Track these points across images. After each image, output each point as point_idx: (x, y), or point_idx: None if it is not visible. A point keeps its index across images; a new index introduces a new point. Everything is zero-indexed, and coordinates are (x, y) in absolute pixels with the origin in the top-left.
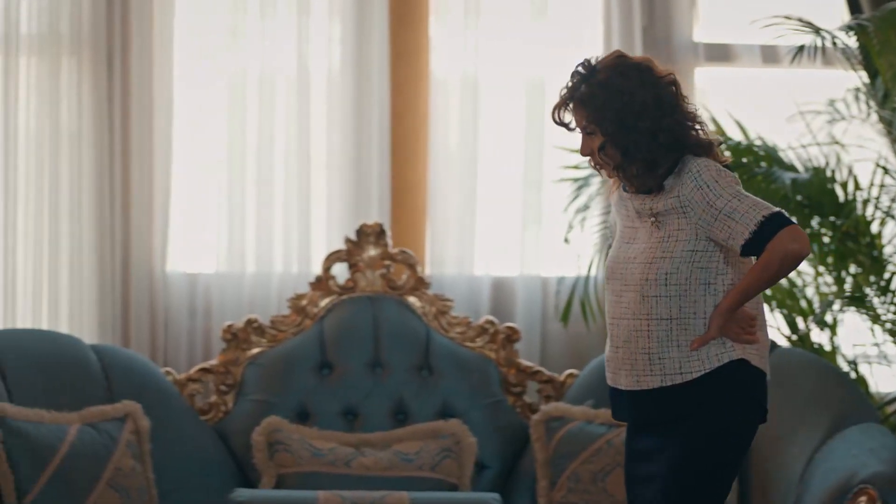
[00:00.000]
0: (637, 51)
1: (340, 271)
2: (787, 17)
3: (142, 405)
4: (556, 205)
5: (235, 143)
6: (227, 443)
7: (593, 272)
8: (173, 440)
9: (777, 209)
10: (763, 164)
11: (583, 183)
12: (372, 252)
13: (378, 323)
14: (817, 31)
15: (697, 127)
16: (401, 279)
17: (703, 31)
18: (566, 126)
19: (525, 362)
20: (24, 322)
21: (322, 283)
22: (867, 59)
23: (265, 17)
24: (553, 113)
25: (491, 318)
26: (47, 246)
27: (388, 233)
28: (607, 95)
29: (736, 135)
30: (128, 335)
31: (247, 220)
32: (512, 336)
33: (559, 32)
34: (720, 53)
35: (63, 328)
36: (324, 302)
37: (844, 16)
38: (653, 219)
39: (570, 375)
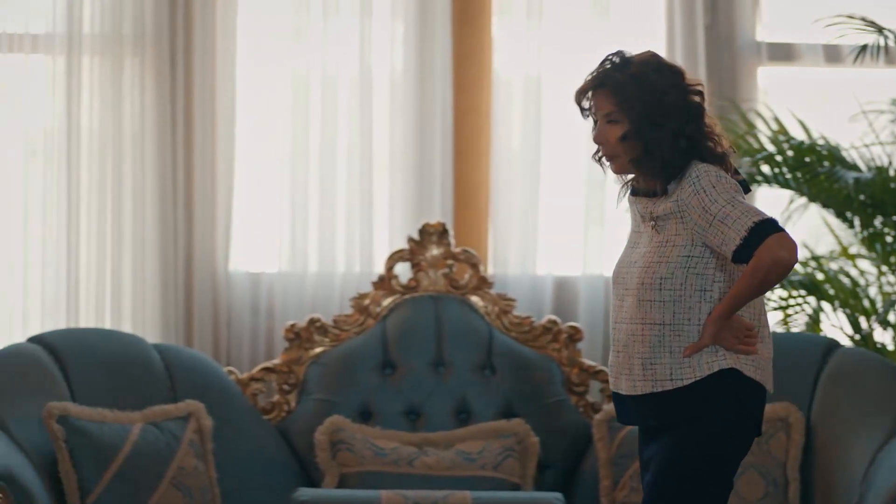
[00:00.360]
0: (700, 50)
1: (403, 271)
2: (850, 17)
3: (205, 404)
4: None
5: (298, 143)
6: (289, 442)
7: None
8: (236, 439)
9: (769, 216)
10: (826, 163)
11: None
12: (434, 251)
13: (440, 322)
14: (880, 30)
15: (714, 140)
16: (463, 278)
17: (765, 31)
18: (583, 111)
19: (588, 361)
20: (87, 322)
21: (385, 283)
22: None
23: (328, 18)
24: (577, 94)
25: (553, 317)
26: (110, 246)
27: (451, 232)
28: (640, 88)
29: (799, 134)
30: (191, 334)
31: (309, 220)
32: (574, 335)
33: (622, 32)
34: (783, 53)
35: (126, 328)
36: (386, 301)
37: None
38: (653, 223)
39: None
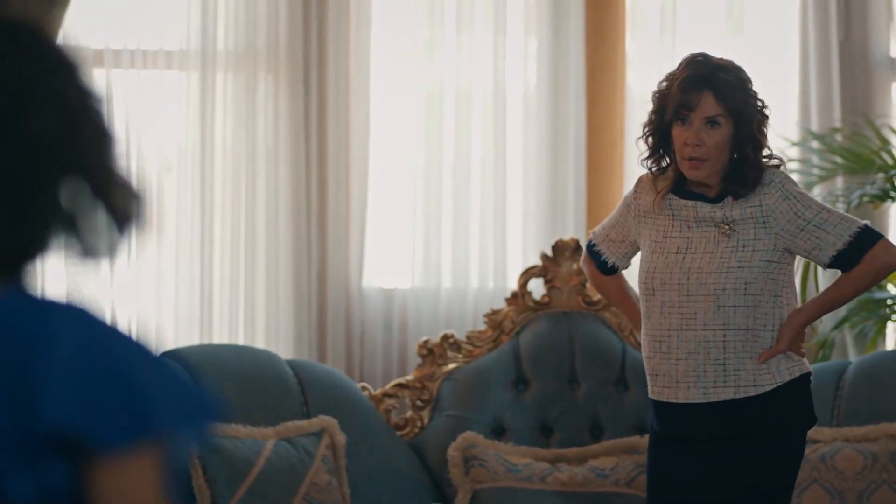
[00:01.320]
0: (834, 65)
1: (536, 287)
2: None
3: (338, 420)
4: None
5: (432, 158)
6: (422, 458)
7: None
8: (369, 455)
9: (865, 221)
10: None
11: None
12: (568, 267)
13: (573, 338)
14: None
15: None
16: (596, 295)
17: None
18: (689, 108)
19: None
20: (220, 337)
21: (518, 299)
22: None
23: (461, 32)
24: (686, 91)
25: None
26: (244, 261)
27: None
28: (745, 94)
29: None
30: (324, 350)
31: (443, 236)
32: None
33: (756, 47)
34: None
35: (259, 343)
36: (519, 317)
37: None
38: (727, 227)
39: None
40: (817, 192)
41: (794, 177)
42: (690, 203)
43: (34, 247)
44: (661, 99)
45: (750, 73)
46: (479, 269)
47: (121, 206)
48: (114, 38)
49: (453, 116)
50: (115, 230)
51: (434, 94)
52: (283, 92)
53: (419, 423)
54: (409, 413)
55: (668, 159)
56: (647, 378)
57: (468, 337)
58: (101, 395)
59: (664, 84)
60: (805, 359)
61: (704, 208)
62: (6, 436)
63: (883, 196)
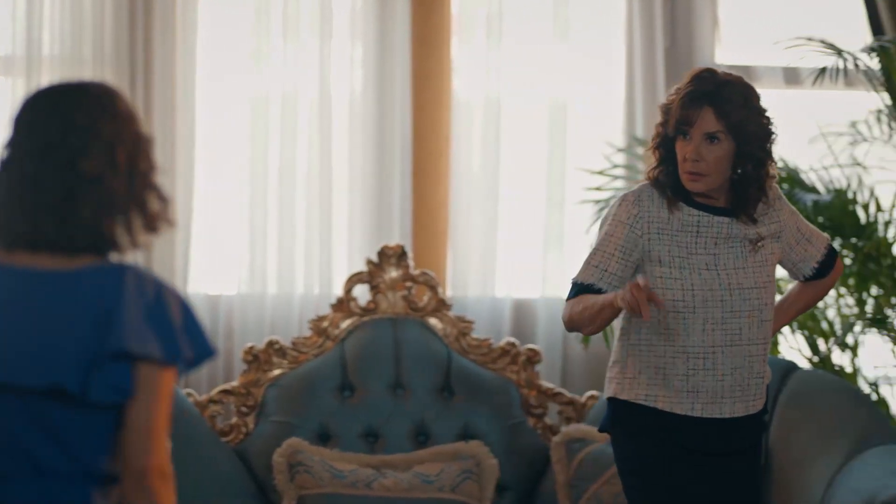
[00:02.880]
0: (660, 72)
1: (362, 293)
2: (810, 39)
3: None
4: (577, 226)
5: (257, 165)
6: (247, 464)
7: None
8: (194, 461)
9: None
10: (785, 185)
11: (604, 205)
12: (393, 274)
13: (399, 345)
14: (839, 52)
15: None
16: (422, 301)
17: (725, 53)
18: (689, 124)
19: (546, 384)
20: None
21: (343, 305)
22: (889, 81)
23: (287, 40)
24: (686, 107)
25: (512, 339)
26: None
27: (410, 254)
28: (748, 111)
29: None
30: None
31: (268, 242)
32: (533, 358)
33: (581, 54)
34: (742, 75)
35: None
36: (345, 323)
37: (867, 37)
38: (759, 243)
39: (592, 397)
40: None
41: (618, 184)
42: (726, 220)
43: (110, 239)
44: (665, 113)
45: (574, 80)
46: (305, 276)
47: (153, 210)
48: None
49: (279, 122)
50: (150, 228)
51: (260, 100)
52: None
53: (244, 430)
54: (234, 419)
55: (666, 169)
56: (678, 394)
57: (294, 343)
58: (151, 330)
59: (671, 97)
60: None
61: (738, 225)
62: (92, 354)
63: None
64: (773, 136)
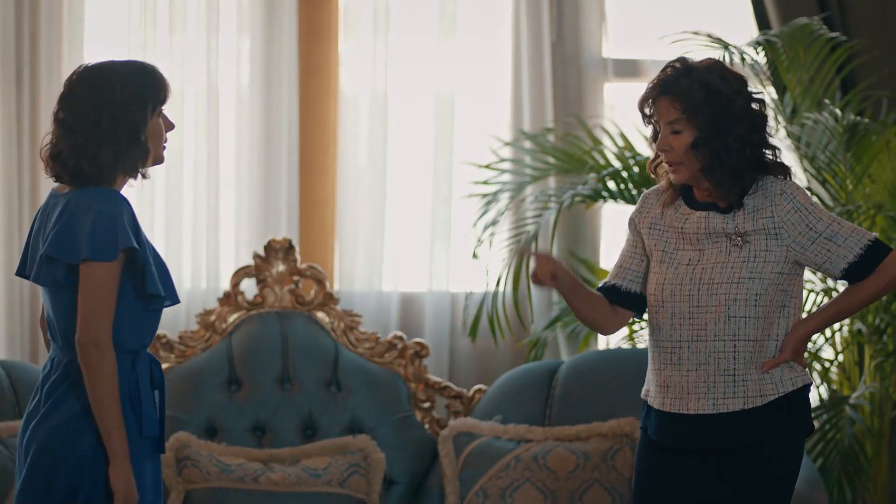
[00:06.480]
0: (546, 66)
1: (249, 287)
2: (696, 33)
3: None
4: (464, 220)
5: None
6: None
7: (501, 288)
8: None
9: (875, 234)
10: None
11: (491, 199)
12: (280, 268)
13: (286, 338)
14: (726, 46)
15: (774, 151)
16: (309, 295)
17: (612, 47)
18: (647, 117)
19: (433, 378)
20: None
21: (230, 299)
22: (776, 75)
23: (174, 33)
24: (642, 102)
25: (399, 333)
26: None
27: (297, 248)
28: (706, 94)
29: (645, 150)
30: (36, 351)
31: (155, 236)
32: (420, 352)
33: (469, 48)
34: (629, 69)
35: None
36: (232, 317)
37: (753, 32)
38: (739, 238)
39: (479, 391)
40: (529, 192)
41: (505, 178)
42: (703, 214)
43: (114, 167)
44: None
45: (461, 75)
46: (192, 269)
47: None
48: None
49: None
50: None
51: None
52: None
53: None
54: None
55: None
56: (653, 389)
57: (181, 337)
58: (75, 237)
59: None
60: (806, 369)
61: (716, 219)
62: (45, 256)
63: (595, 196)
64: (754, 122)
